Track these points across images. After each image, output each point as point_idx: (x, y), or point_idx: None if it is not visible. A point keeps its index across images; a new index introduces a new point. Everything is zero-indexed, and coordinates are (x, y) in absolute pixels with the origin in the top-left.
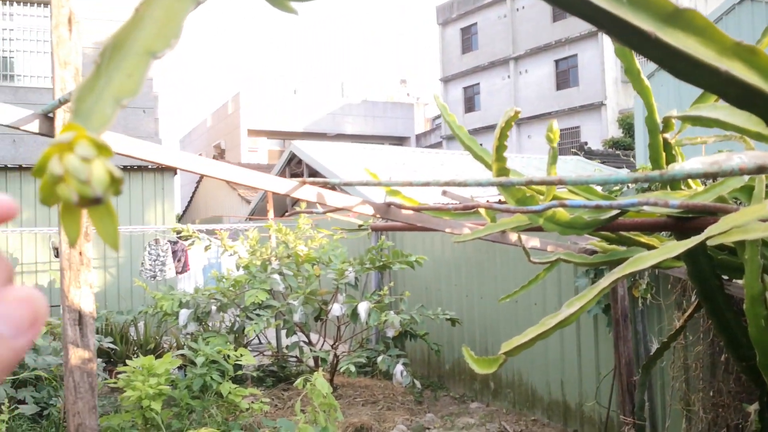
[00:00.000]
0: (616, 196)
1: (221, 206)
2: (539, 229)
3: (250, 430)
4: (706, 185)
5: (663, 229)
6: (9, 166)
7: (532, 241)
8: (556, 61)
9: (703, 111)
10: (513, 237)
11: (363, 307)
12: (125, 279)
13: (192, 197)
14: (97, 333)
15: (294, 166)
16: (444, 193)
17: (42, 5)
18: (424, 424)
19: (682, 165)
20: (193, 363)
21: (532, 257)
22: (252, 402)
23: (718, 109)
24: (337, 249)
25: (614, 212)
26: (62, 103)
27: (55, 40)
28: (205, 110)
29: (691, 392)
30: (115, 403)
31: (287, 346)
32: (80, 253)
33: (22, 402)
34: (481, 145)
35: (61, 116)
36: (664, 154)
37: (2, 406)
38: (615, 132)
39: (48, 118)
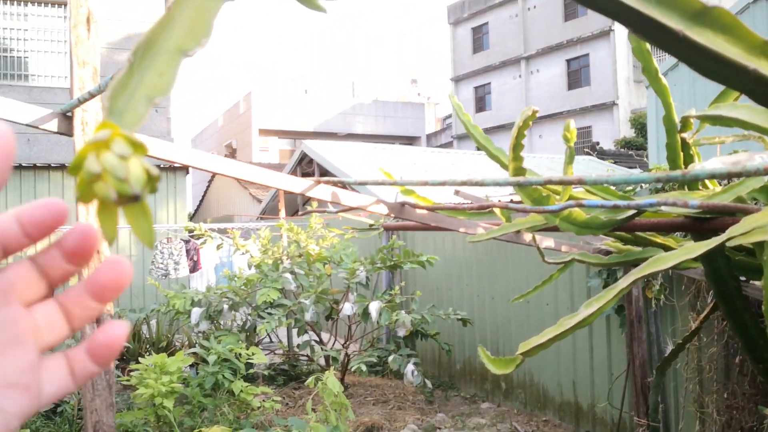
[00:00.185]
0: (630, 196)
1: (232, 205)
2: (554, 229)
3: (261, 428)
4: (722, 185)
5: (680, 229)
6: (23, 165)
7: (546, 242)
8: (568, 61)
9: (723, 110)
10: (527, 237)
11: (374, 307)
12: (138, 277)
13: (203, 196)
14: None
15: (305, 166)
16: (457, 192)
17: (56, 5)
18: (434, 424)
19: (702, 165)
20: (205, 361)
21: (547, 257)
22: (263, 400)
23: (738, 108)
24: (348, 248)
25: (630, 212)
26: (81, 102)
27: (73, 39)
28: (216, 110)
29: (705, 394)
30: (128, 401)
31: (298, 345)
32: (98, 252)
33: None
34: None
35: (80, 115)
36: (681, 153)
37: None
38: (627, 132)
39: (66, 117)
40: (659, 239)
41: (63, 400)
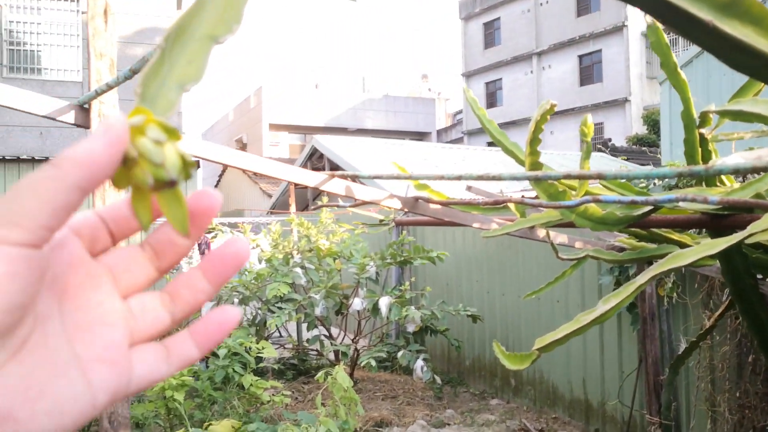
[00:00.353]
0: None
1: (243, 200)
2: (569, 225)
3: (271, 422)
4: (739, 182)
5: (697, 226)
6: (36, 158)
7: (560, 238)
8: (580, 57)
9: (744, 105)
10: (541, 233)
11: (384, 302)
12: None
13: None
14: None
15: (315, 161)
16: (469, 188)
17: None
18: (443, 420)
19: (723, 160)
20: (216, 355)
21: (560, 254)
22: (273, 394)
23: (760, 103)
24: (359, 243)
25: (647, 208)
26: (99, 93)
27: (91, 31)
28: (227, 104)
29: (717, 393)
30: (139, 393)
31: (308, 340)
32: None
33: None
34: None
35: (97, 107)
36: (700, 149)
37: None
38: (639, 128)
39: (83, 109)
40: (675, 236)
41: None
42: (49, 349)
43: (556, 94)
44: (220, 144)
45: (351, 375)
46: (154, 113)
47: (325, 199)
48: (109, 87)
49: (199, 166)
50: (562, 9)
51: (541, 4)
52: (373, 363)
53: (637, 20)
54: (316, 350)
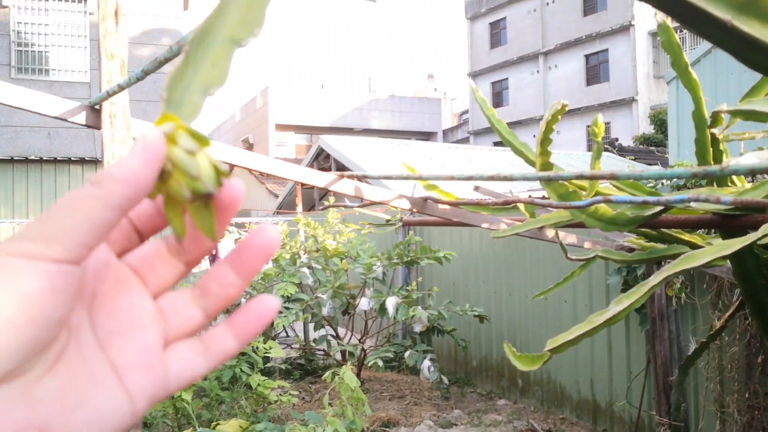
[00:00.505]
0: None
1: (249, 200)
2: (578, 225)
3: (278, 422)
4: (749, 182)
5: (708, 226)
6: (44, 158)
7: (569, 238)
8: (587, 56)
9: (757, 105)
10: (550, 233)
11: (391, 302)
12: None
13: None
14: None
15: (322, 161)
16: (477, 188)
17: (77, 0)
18: (451, 420)
19: (737, 160)
20: None
21: (569, 254)
22: (280, 394)
23: None
24: (365, 243)
25: (658, 209)
26: (110, 95)
27: (102, 32)
28: (233, 105)
29: (726, 394)
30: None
31: (314, 340)
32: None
33: None
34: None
35: (108, 108)
36: (711, 149)
37: None
38: (646, 128)
39: (94, 110)
40: (685, 236)
41: None
42: (84, 359)
43: (563, 93)
44: (227, 144)
45: (358, 375)
46: (180, 118)
47: (332, 199)
48: (121, 88)
49: (231, 171)
50: (569, 8)
51: (548, 4)
52: (380, 363)
53: (644, 19)
54: (323, 350)
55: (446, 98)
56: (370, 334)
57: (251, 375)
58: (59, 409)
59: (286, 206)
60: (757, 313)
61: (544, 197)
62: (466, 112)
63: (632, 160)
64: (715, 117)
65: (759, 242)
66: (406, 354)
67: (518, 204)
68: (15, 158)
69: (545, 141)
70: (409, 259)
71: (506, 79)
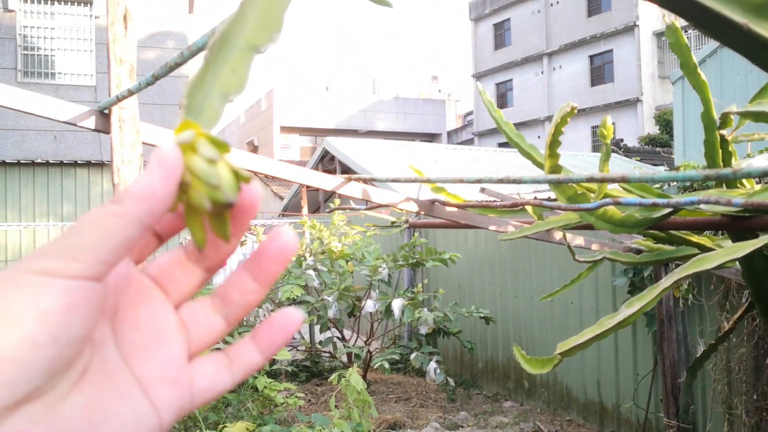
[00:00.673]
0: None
1: None
2: (586, 227)
3: (284, 424)
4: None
5: (718, 227)
6: (50, 161)
7: (577, 240)
8: (591, 57)
9: (767, 106)
10: (557, 235)
11: (397, 304)
12: None
13: None
14: None
15: (327, 163)
16: (482, 190)
17: (82, 4)
18: (457, 422)
19: (750, 162)
20: None
21: (577, 256)
22: (287, 396)
23: None
24: (371, 245)
25: (667, 210)
26: (120, 99)
27: (111, 37)
28: (238, 107)
29: (734, 395)
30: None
31: (320, 342)
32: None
33: None
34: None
35: (117, 113)
36: (720, 150)
37: None
38: (651, 128)
39: (104, 115)
40: (694, 238)
41: None
42: (108, 375)
43: (567, 94)
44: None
45: (364, 377)
46: (201, 125)
47: (337, 201)
48: (131, 93)
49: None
50: (573, 9)
51: (552, 5)
52: (386, 365)
53: (649, 20)
54: (329, 352)
55: (450, 99)
56: (375, 336)
57: (257, 377)
58: (85, 427)
59: (291, 208)
60: (767, 315)
61: (550, 198)
62: (470, 113)
63: (638, 160)
64: (725, 118)
65: None
66: (412, 356)
67: (526, 206)
68: (22, 161)
69: (554, 143)
70: (414, 260)
71: (510, 80)
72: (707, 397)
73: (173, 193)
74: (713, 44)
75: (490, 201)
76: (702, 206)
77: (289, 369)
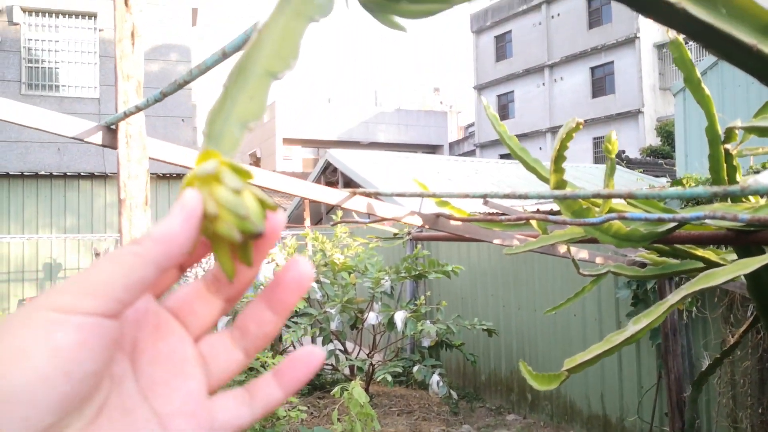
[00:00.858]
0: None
1: None
2: (591, 241)
3: None
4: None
5: (723, 242)
6: (54, 173)
7: (581, 253)
8: (592, 69)
9: None
10: (562, 249)
11: (399, 317)
12: None
13: None
14: None
15: (329, 174)
16: (485, 202)
17: (87, 17)
18: None
19: (756, 178)
20: None
21: (581, 269)
22: (289, 410)
23: None
24: (373, 257)
25: (671, 225)
26: (127, 115)
27: (118, 53)
28: None
29: (739, 409)
30: None
31: None
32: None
33: None
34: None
35: (124, 128)
36: (725, 165)
37: None
38: (653, 140)
39: (111, 130)
40: (699, 251)
41: None
42: (127, 411)
43: (569, 106)
44: (235, 159)
45: (366, 390)
46: (221, 153)
47: (339, 213)
48: (139, 109)
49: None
50: (574, 21)
51: (553, 17)
52: (389, 378)
53: (649, 31)
54: (332, 365)
55: (452, 111)
56: (378, 348)
57: None
58: None
59: (293, 220)
60: None
61: (552, 210)
62: (472, 124)
63: (641, 172)
64: (729, 133)
65: None
66: (415, 369)
67: (531, 220)
68: (25, 173)
69: (559, 158)
70: (417, 272)
71: (512, 91)
72: (712, 411)
73: (192, 237)
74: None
75: (494, 213)
76: (708, 221)
77: None
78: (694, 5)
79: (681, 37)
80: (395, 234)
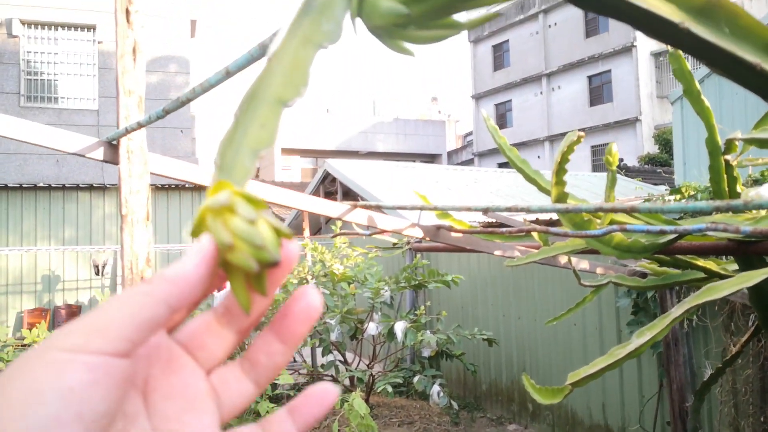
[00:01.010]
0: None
1: None
2: (592, 251)
3: None
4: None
5: (724, 252)
6: (53, 185)
7: (582, 264)
8: (589, 77)
9: None
10: (563, 260)
11: (399, 327)
12: None
13: None
14: None
15: (328, 184)
16: (485, 212)
17: (85, 29)
18: None
19: (758, 191)
20: None
21: (582, 280)
22: None
23: None
24: (373, 267)
25: (673, 236)
26: (129, 131)
27: (120, 69)
28: None
29: (740, 417)
30: None
31: (323, 365)
32: (142, 279)
33: None
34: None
35: (125, 144)
36: (725, 176)
37: None
38: (651, 148)
39: (112, 146)
40: (700, 262)
41: None
42: None
43: (566, 114)
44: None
45: (367, 401)
46: (233, 183)
47: (339, 223)
48: (140, 125)
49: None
50: (571, 30)
51: (550, 26)
52: (389, 389)
53: (646, 40)
54: (332, 376)
55: (450, 120)
56: (378, 359)
57: (259, 402)
58: None
59: (292, 229)
60: None
61: (552, 219)
62: (470, 133)
63: (640, 180)
64: (729, 144)
65: None
66: (415, 379)
67: (532, 232)
68: (24, 185)
69: (560, 171)
70: (416, 282)
71: (510, 100)
72: (714, 420)
73: (205, 278)
74: None
75: (495, 224)
76: (709, 232)
77: (291, 393)
78: (697, 25)
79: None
80: (394, 244)
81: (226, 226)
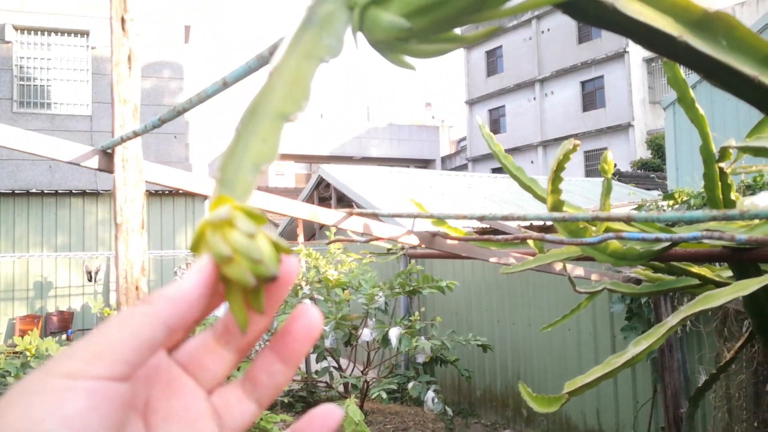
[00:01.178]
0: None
1: None
2: (588, 259)
3: None
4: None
5: (719, 259)
6: (45, 191)
7: (577, 271)
8: (582, 83)
9: (766, 142)
10: (558, 266)
11: (394, 333)
12: None
13: None
14: None
15: (322, 190)
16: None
17: (79, 35)
18: None
19: (753, 201)
20: None
21: (577, 287)
22: (282, 428)
23: None
24: (367, 273)
25: (667, 243)
26: (124, 140)
27: (115, 78)
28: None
29: (734, 423)
30: None
31: (317, 372)
32: (137, 288)
33: None
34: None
35: (120, 152)
36: (720, 183)
37: None
38: (643, 153)
39: (107, 154)
40: (695, 268)
41: None
42: None
43: (559, 120)
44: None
45: (361, 407)
46: (234, 198)
47: (333, 230)
48: (136, 134)
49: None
50: (564, 36)
51: (543, 32)
52: (384, 395)
53: (638, 46)
54: (326, 382)
55: (444, 126)
56: (372, 365)
57: None
58: None
59: (286, 235)
60: None
61: (546, 224)
62: (463, 139)
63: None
64: (723, 152)
65: None
66: (410, 385)
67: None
68: (16, 191)
69: (556, 179)
70: (411, 288)
71: (503, 106)
72: (708, 425)
73: (204, 299)
74: None
75: (490, 230)
76: (706, 241)
77: (285, 400)
78: (695, 38)
79: None
80: (389, 250)
81: (224, 239)
